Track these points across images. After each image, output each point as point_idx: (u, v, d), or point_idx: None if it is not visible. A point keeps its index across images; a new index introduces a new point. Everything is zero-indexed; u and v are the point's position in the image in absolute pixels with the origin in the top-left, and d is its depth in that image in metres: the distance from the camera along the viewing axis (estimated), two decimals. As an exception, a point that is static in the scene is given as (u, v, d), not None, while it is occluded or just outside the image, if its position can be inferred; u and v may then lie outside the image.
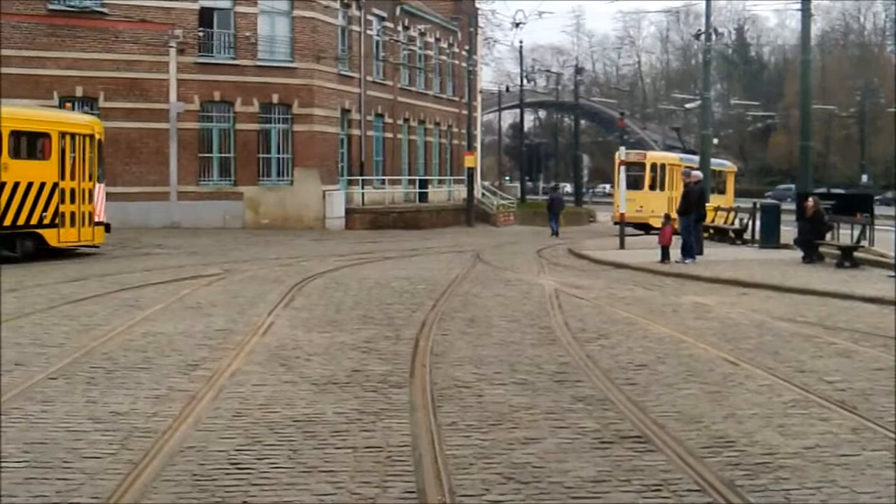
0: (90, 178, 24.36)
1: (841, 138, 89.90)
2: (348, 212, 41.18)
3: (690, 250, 22.56)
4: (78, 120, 25.59)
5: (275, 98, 39.38)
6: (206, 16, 38.24)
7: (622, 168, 29.78)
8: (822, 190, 43.55)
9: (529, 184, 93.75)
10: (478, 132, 62.71)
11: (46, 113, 25.42)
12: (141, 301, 14.85)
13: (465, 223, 47.11)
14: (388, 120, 48.12)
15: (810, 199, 23.23)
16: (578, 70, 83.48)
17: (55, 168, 23.21)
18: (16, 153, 22.54)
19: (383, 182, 47.14)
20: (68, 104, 31.35)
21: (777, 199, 54.03)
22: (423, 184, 51.06)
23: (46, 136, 23.34)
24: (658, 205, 35.82)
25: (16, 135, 22.65)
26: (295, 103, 39.67)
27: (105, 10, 35.79)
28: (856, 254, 21.68)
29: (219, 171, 38.91)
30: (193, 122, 37.68)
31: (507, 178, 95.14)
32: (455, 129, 57.20)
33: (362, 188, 44.19)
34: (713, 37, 40.74)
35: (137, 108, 35.71)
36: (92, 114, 27.32)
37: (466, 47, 54.19)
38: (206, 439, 6.93)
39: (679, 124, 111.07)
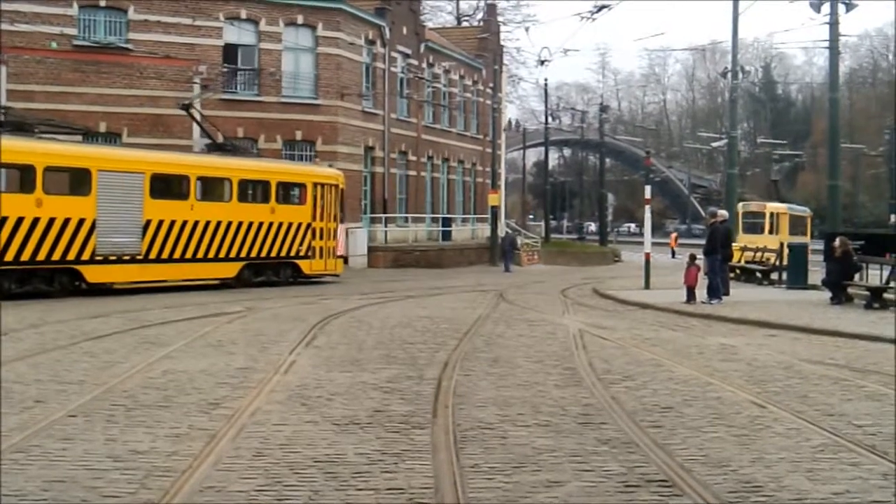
0: (334, 220, 30.26)
1: (869, 177, 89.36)
2: (371, 250, 41.22)
3: (716, 291, 22.39)
4: (327, 173, 31.27)
5: (298, 135, 39.60)
6: (230, 52, 38.56)
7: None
8: (851, 230, 43.61)
9: (554, 222, 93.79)
10: (502, 170, 62.75)
11: (302, 167, 31.66)
12: (162, 338, 14.84)
13: (489, 262, 47.02)
14: (412, 157, 48.27)
15: (838, 239, 23.00)
16: (603, 108, 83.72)
17: (309, 211, 29.24)
18: (278, 199, 28.27)
19: (406, 220, 47.23)
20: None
21: None
22: (447, 222, 51.17)
23: (303, 185, 29.36)
24: (774, 246, 37.14)
25: (279, 185, 28.56)
26: (318, 140, 39.87)
27: (130, 46, 36.11)
28: (885, 295, 21.37)
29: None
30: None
31: (532, 216, 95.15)
32: (479, 167, 57.26)
33: (385, 226, 44.29)
34: (740, 75, 40.96)
35: (161, 144, 35.79)
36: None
37: (491, 85, 54.35)
38: (227, 479, 6.84)
39: (716, 168, 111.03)
